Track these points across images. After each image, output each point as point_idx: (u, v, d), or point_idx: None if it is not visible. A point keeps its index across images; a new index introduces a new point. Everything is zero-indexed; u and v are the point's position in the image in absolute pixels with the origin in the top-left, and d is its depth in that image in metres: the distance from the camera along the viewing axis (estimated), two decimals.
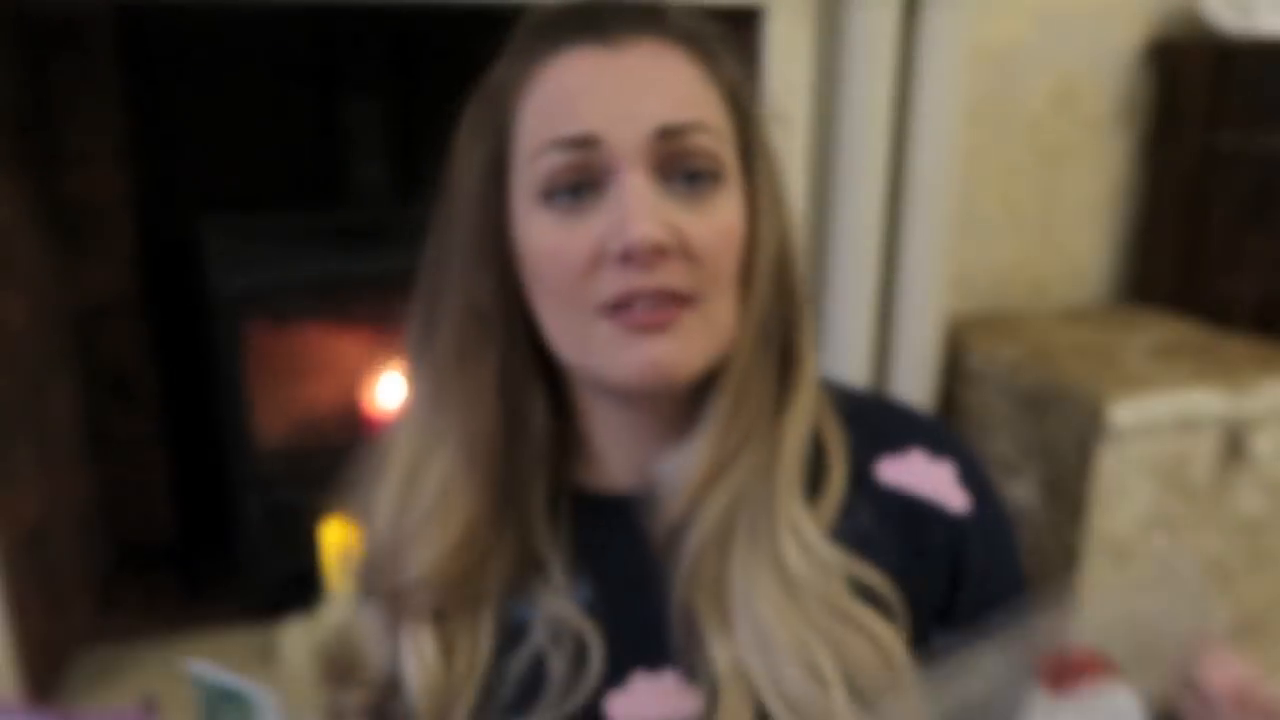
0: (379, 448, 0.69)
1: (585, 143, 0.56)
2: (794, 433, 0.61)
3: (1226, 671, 0.46)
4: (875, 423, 0.65)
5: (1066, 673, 0.46)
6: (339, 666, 0.68)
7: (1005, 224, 2.33)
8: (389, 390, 2.05)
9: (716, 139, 0.58)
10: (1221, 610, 0.42)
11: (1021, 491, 1.86)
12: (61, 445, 1.84)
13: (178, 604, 2.00)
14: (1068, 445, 1.75)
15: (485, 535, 0.62)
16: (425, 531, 0.62)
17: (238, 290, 1.83)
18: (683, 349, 0.57)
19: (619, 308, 0.56)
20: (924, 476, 0.63)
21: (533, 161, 0.58)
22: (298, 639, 1.82)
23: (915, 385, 1.89)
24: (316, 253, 1.90)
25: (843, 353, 1.84)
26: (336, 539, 1.84)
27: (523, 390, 0.62)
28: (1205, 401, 1.72)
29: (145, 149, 2.03)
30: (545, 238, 0.58)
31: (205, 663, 0.57)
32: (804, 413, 0.62)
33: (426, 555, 0.62)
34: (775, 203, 0.62)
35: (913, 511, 0.62)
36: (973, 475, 0.64)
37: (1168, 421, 1.70)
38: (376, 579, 0.65)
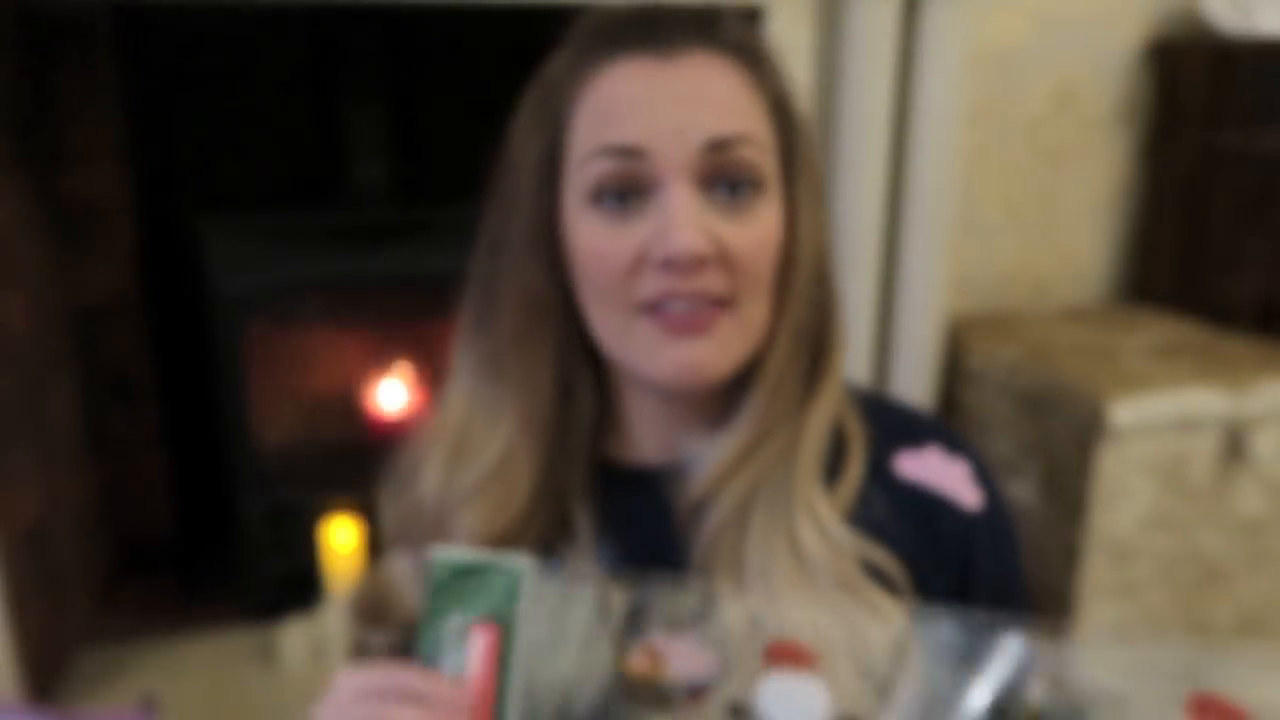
0: (417, 432, 0.72)
1: (632, 153, 0.59)
2: (818, 422, 0.64)
3: None
4: (893, 418, 0.68)
5: (785, 654, 0.55)
6: (370, 607, 0.71)
7: (1005, 224, 2.33)
8: (389, 390, 2.06)
9: (760, 149, 0.61)
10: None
11: (1021, 491, 1.86)
12: (61, 445, 1.84)
13: (178, 604, 2.00)
14: (1068, 445, 1.75)
15: (535, 499, 0.66)
16: (484, 494, 0.65)
17: (238, 290, 1.83)
18: (717, 351, 0.61)
19: (657, 307, 0.60)
20: (941, 472, 0.65)
21: (583, 165, 0.61)
22: (298, 639, 1.83)
23: (915, 385, 1.89)
24: (316, 253, 1.90)
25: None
26: (337, 539, 1.84)
27: (575, 371, 0.66)
28: (1205, 401, 1.72)
29: (145, 149, 2.03)
30: (592, 239, 0.61)
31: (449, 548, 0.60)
32: (829, 404, 0.65)
33: (482, 514, 0.65)
34: (816, 210, 0.65)
35: (928, 504, 0.64)
36: (985, 476, 0.67)
37: (1168, 421, 1.70)
38: (416, 530, 0.68)
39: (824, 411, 0.65)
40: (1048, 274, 2.39)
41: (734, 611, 0.58)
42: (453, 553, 0.58)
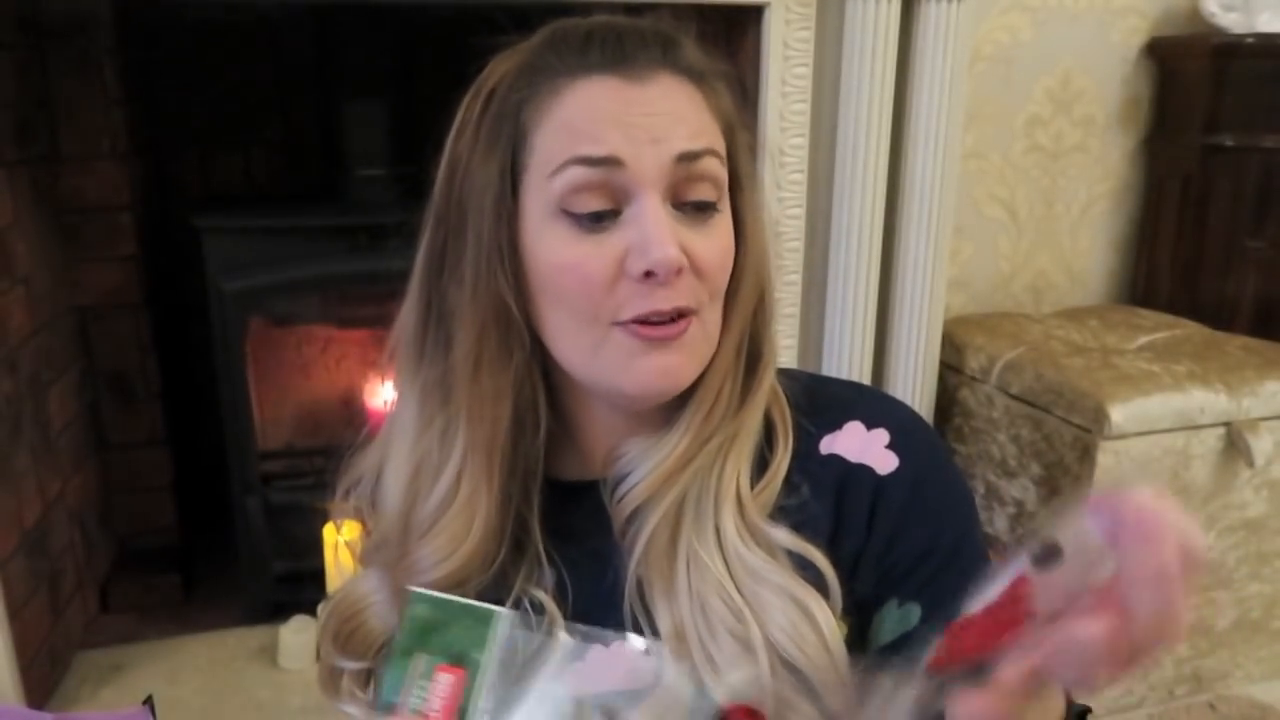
0: (375, 443, 0.74)
1: (609, 163, 0.60)
2: (750, 423, 0.67)
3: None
4: (822, 402, 0.69)
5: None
6: (341, 631, 0.72)
7: (1005, 224, 2.33)
8: (389, 390, 2.06)
9: (720, 166, 0.64)
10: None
11: (1021, 491, 1.86)
12: (61, 445, 1.84)
13: (178, 604, 2.00)
14: (1067, 445, 1.75)
15: (492, 523, 0.66)
16: (442, 523, 0.65)
17: (238, 290, 1.83)
18: (688, 359, 0.63)
19: (637, 322, 0.61)
20: (858, 444, 0.67)
21: (552, 177, 0.61)
22: (297, 639, 1.83)
23: (915, 385, 1.89)
24: (316, 253, 1.90)
25: (843, 353, 1.84)
26: (336, 539, 1.84)
27: (533, 391, 0.66)
28: (1205, 401, 1.72)
29: (145, 149, 2.03)
30: (563, 251, 0.61)
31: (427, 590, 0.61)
32: (760, 405, 0.67)
33: (442, 544, 0.65)
34: (758, 226, 0.68)
35: (842, 476, 0.66)
36: (907, 442, 0.67)
37: (1168, 421, 1.70)
38: (385, 558, 0.69)
39: (756, 412, 0.67)
40: (1047, 274, 2.39)
41: (680, 680, 0.59)
42: (432, 595, 0.60)
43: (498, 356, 0.64)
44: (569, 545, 0.68)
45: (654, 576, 0.63)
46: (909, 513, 0.65)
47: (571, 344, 0.63)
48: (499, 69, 0.65)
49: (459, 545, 0.65)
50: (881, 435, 0.67)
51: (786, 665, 0.60)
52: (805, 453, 0.67)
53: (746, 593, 0.61)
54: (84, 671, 1.81)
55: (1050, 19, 2.21)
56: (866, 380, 1.86)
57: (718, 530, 0.63)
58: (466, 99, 0.66)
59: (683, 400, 0.66)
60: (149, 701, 1.59)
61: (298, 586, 1.87)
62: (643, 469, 0.65)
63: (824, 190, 1.79)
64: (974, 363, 1.98)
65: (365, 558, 0.72)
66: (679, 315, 0.61)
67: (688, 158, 0.61)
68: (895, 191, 1.81)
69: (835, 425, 0.68)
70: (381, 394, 2.06)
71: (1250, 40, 2.09)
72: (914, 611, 0.64)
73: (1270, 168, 2.12)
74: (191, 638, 1.89)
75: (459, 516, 0.65)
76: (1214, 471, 1.75)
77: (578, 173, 0.60)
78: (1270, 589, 1.86)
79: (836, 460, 0.66)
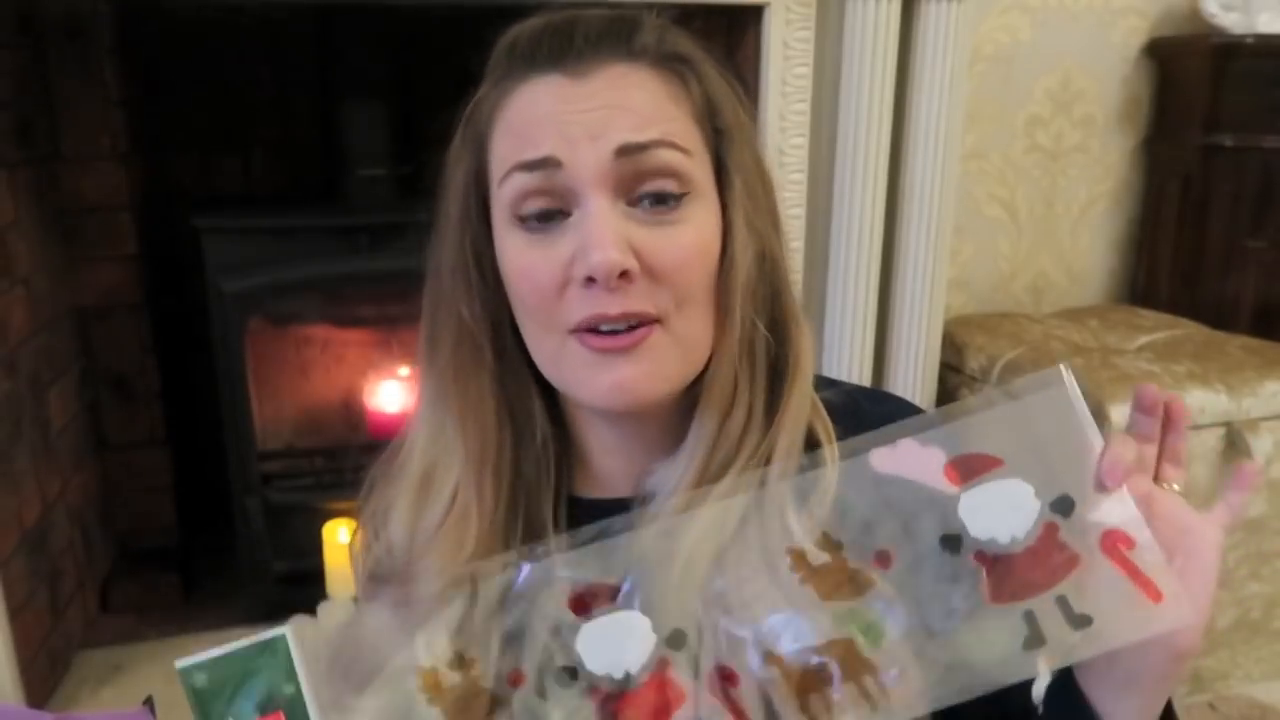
0: (394, 450, 0.70)
1: (546, 165, 0.58)
2: (786, 441, 0.62)
3: (1117, 462, 0.54)
4: (865, 415, 0.64)
5: (968, 467, 0.55)
6: (343, 662, 0.68)
7: (1005, 224, 2.33)
8: (389, 391, 2.06)
9: (683, 156, 0.59)
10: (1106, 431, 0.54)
11: None
12: (61, 445, 1.84)
13: (178, 604, 2.00)
14: None
15: (496, 538, 0.63)
16: (439, 542, 0.63)
17: (238, 290, 1.83)
18: (651, 371, 0.59)
19: (587, 330, 0.58)
20: (916, 463, 0.62)
21: (501, 184, 0.60)
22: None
23: (915, 385, 1.89)
24: (316, 253, 1.90)
25: (843, 353, 1.84)
26: (337, 539, 1.84)
27: (520, 402, 0.65)
28: (1205, 401, 1.72)
29: (145, 149, 2.03)
30: (518, 258, 0.60)
31: (190, 656, 0.55)
32: (796, 422, 0.62)
33: (441, 557, 0.62)
34: (755, 218, 0.62)
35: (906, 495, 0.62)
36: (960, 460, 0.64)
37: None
38: (390, 581, 0.65)
39: (791, 429, 0.62)
40: (1047, 274, 2.39)
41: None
42: (199, 660, 0.54)
43: (474, 365, 0.63)
44: None
45: (703, 609, 0.58)
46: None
47: (540, 352, 0.62)
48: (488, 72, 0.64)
49: (457, 555, 0.62)
50: (938, 456, 0.60)
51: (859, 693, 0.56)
52: (857, 466, 0.62)
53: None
54: (84, 671, 1.81)
55: (1050, 19, 2.21)
56: (866, 381, 1.86)
57: (768, 562, 0.57)
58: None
59: (695, 417, 0.62)
60: (149, 701, 1.59)
61: (298, 586, 1.87)
62: (662, 492, 0.62)
63: (824, 190, 1.79)
64: (974, 363, 1.98)
65: (371, 582, 0.68)
66: (637, 323, 0.58)
67: (631, 150, 0.57)
68: (895, 191, 1.81)
69: (888, 439, 0.62)
70: (381, 394, 2.06)
71: (1250, 40, 2.09)
72: None
73: (1270, 168, 2.12)
74: (191, 638, 1.89)
75: (455, 528, 0.63)
76: (1214, 471, 1.75)
77: (519, 179, 0.58)
78: (1270, 589, 1.86)
79: (896, 476, 0.60)
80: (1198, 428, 1.73)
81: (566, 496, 0.67)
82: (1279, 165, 2.12)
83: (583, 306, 0.58)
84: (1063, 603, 0.52)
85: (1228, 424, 1.74)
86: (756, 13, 1.70)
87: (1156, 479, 0.58)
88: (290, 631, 0.54)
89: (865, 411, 0.66)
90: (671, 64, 0.61)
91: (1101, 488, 0.54)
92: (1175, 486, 0.57)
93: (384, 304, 2.06)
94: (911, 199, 1.80)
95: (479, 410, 0.64)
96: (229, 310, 1.83)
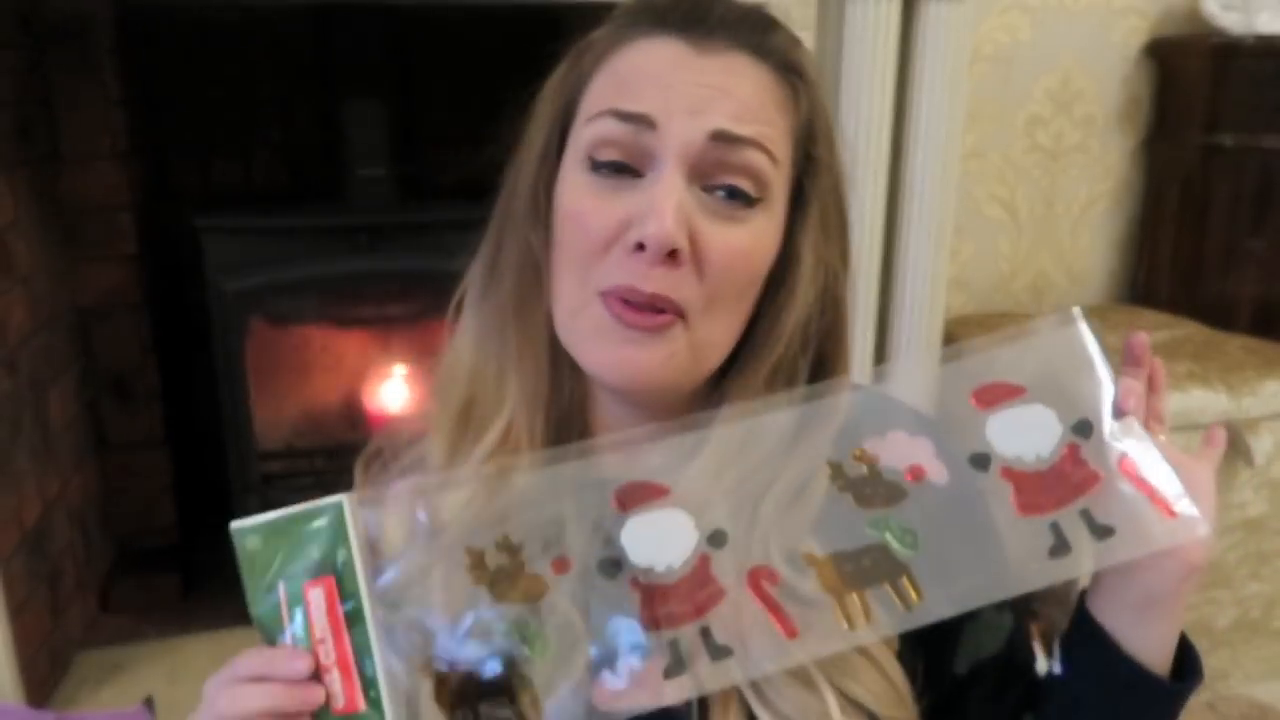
0: (404, 421, 0.69)
1: (640, 121, 0.57)
2: (807, 457, 0.60)
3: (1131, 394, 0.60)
4: (858, 411, 0.64)
5: (994, 396, 0.60)
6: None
7: (1005, 224, 2.33)
8: (389, 390, 2.06)
9: (770, 163, 0.58)
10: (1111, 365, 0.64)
11: None
12: (61, 445, 1.84)
13: (178, 604, 2.00)
14: None
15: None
16: (487, 467, 0.61)
17: (238, 290, 1.83)
18: (660, 360, 0.58)
19: (615, 297, 0.57)
20: (905, 452, 0.63)
21: (588, 123, 0.59)
22: None
23: (914, 385, 1.89)
24: (316, 253, 1.90)
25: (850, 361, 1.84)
26: None
27: (564, 358, 0.63)
28: (1205, 401, 1.72)
29: (145, 149, 2.03)
30: (577, 200, 0.59)
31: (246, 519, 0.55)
32: (823, 444, 0.61)
33: (484, 490, 0.60)
34: (821, 252, 0.62)
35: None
36: (948, 451, 0.63)
37: (1168, 422, 1.70)
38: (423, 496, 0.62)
39: (817, 450, 0.60)
40: (1047, 274, 2.39)
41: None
42: (253, 522, 0.54)
43: (532, 295, 0.62)
44: None
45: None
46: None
47: (565, 301, 0.60)
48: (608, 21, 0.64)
49: (499, 491, 0.60)
50: (926, 444, 0.61)
51: (854, 705, 0.56)
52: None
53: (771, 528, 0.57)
54: (84, 671, 1.80)
55: (1050, 19, 2.21)
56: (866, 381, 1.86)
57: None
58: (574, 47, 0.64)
59: (717, 424, 0.60)
60: (149, 701, 1.59)
61: None
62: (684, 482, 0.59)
63: None
64: None
65: (408, 493, 0.61)
66: (660, 307, 0.57)
67: (725, 138, 0.57)
68: (895, 191, 1.81)
69: (878, 432, 0.62)
70: (381, 394, 2.06)
71: (1250, 40, 2.09)
72: (1007, 617, 0.64)
73: (1270, 168, 2.12)
74: (191, 638, 1.89)
75: (507, 457, 0.61)
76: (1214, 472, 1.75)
77: (607, 124, 0.58)
78: (1270, 589, 1.86)
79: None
80: (1198, 427, 1.73)
81: None
82: (1279, 165, 2.12)
83: (621, 272, 0.57)
84: (1086, 515, 0.57)
85: (1227, 424, 1.74)
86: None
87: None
88: (347, 501, 0.54)
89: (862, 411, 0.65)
90: (790, 75, 0.61)
91: (1119, 414, 0.59)
92: (1160, 438, 0.62)
93: (384, 304, 2.06)
94: (911, 199, 1.80)
95: (535, 346, 0.63)
96: (229, 310, 1.83)
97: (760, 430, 0.59)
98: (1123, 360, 0.64)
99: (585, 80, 0.61)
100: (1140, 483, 0.58)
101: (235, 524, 0.54)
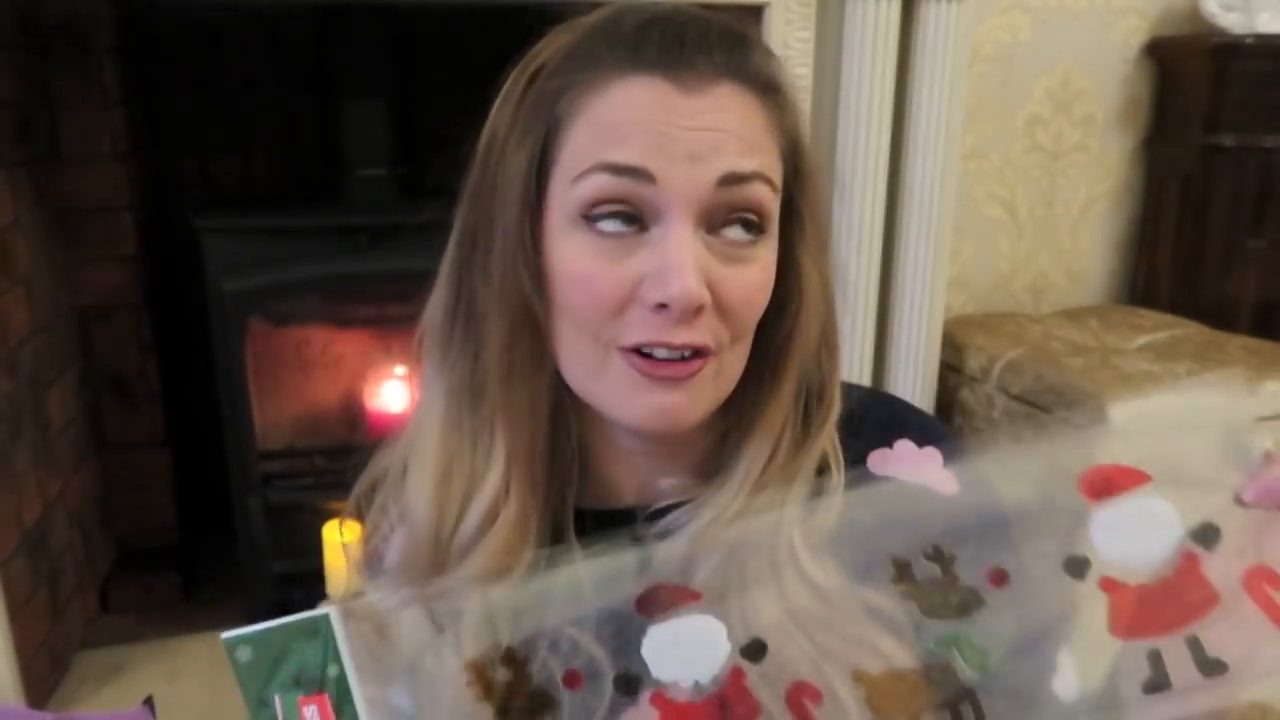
0: (391, 448, 0.66)
1: (638, 175, 0.54)
2: (808, 468, 0.60)
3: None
4: (865, 421, 0.65)
5: (1108, 483, 0.50)
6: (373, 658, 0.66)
7: (1005, 224, 2.33)
8: (389, 390, 2.06)
9: (771, 192, 0.57)
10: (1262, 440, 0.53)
11: None
12: (61, 445, 1.84)
13: (178, 604, 2.00)
14: None
15: (536, 543, 0.60)
16: (487, 542, 0.59)
17: (238, 290, 1.83)
18: (693, 400, 0.57)
19: (637, 352, 0.55)
20: (912, 464, 0.61)
21: (577, 180, 0.55)
22: None
23: (915, 385, 1.89)
24: (316, 253, 1.90)
25: (843, 352, 1.84)
26: (337, 539, 1.84)
27: (566, 403, 0.61)
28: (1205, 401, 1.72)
29: (145, 149, 2.03)
30: (579, 262, 0.56)
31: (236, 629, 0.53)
32: (819, 450, 0.61)
33: (487, 560, 0.59)
34: (820, 261, 0.61)
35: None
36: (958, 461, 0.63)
37: (1167, 422, 1.70)
38: (417, 577, 0.61)
39: (813, 464, 0.61)
40: (1047, 274, 2.39)
41: None
42: (242, 631, 0.52)
43: (529, 362, 0.59)
44: None
45: None
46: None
47: (579, 361, 0.58)
48: (552, 43, 0.59)
49: (508, 559, 0.58)
50: (934, 455, 0.59)
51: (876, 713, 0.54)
52: (857, 473, 0.61)
53: (820, 648, 0.54)
54: (84, 671, 1.80)
55: (1050, 19, 2.21)
56: (866, 381, 1.86)
57: (780, 591, 0.55)
58: (515, 69, 0.60)
59: (725, 438, 0.61)
60: (149, 701, 1.59)
61: (298, 586, 1.87)
62: (687, 516, 0.59)
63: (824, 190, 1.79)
64: (974, 363, 1.98)
65: (401, 577, 0.62)
66: (694, 354, 0.55)
67: (732, 180, 0.54)
68: (895, 191, 1.81)
69: (884, 442, 0.60)
70: (381, 394, 2.06)
71: (1250, 40, 2.09)
72: None
73: (1270, 168, 2.12)
74: (191, 638, 1.89)
75: (508, 532, 0.59)
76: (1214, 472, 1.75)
77: (601, 180, 0.54)
78: None
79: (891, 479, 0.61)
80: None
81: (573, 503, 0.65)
82: (1279, 165, 2.12)
83: (645, 330, 0.55)
84: (1194, 644, 0.48)
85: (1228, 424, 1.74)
86: (757, 12, 1.70)
87: None
88: (334, 613, 0.52)
89: (868, 416, 0.66)
90: (773, 94, 0.58)
91: (1259, 505, 0.49)
92: None
93: (384, 304, 2.06)
94: (911, 199, 1.81)
95: (530, 405, 0.59)
96: (229, 310, 1.83)
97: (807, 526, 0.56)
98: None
99: (559, 126, 0.56)
100: (1268, 603, 0.48)
101: (226, 635, 0.53)
